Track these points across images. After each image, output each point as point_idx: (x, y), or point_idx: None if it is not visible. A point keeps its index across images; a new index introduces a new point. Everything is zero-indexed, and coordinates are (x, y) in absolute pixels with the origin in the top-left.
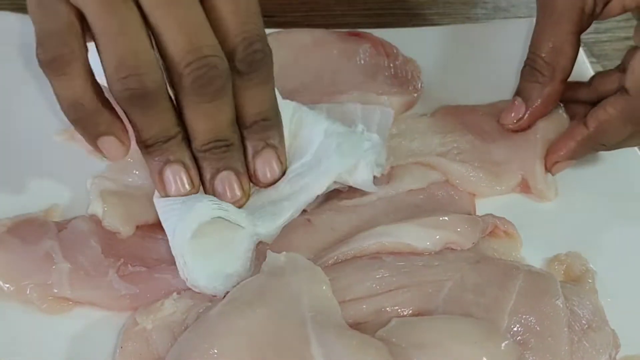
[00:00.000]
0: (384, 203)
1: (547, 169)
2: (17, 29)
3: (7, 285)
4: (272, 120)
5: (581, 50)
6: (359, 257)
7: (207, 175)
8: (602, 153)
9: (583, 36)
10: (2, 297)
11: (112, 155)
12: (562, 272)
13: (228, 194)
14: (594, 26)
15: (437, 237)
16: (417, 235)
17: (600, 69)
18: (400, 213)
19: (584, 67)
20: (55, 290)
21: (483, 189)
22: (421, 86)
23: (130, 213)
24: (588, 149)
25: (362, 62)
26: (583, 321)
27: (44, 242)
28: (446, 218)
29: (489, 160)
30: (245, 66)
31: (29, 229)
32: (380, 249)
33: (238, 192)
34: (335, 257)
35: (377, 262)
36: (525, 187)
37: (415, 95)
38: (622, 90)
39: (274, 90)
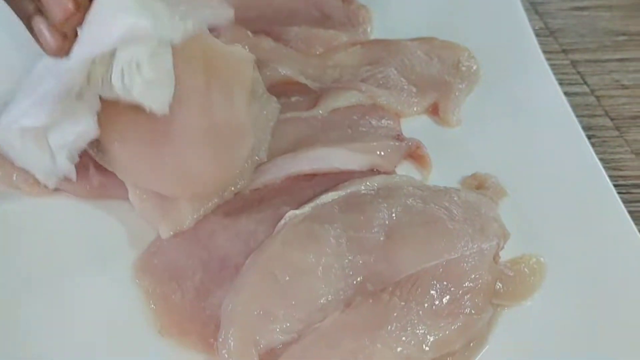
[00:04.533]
0: (320, 122)
1: None
2: None
3: None
4: None
5: (522, 8)
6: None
7: None
8: (498, 81)
9: None
10: None
11: None
12: (474, 187)
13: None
14: None
15: (364, 161)
16: (347, 160)
17: (542, 25)
18: (335, 132)
19: (524, 24)
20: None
21: (403, 109)
22: (370, 31)
23: None
24: None
25: (319, 4)
26: (473, 212)
27: None
28: (374, 143)
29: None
30: None
31: None
32: (314, 172)
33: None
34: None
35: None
36: (435, 111)
37: (364, 37)
38: None
39: None
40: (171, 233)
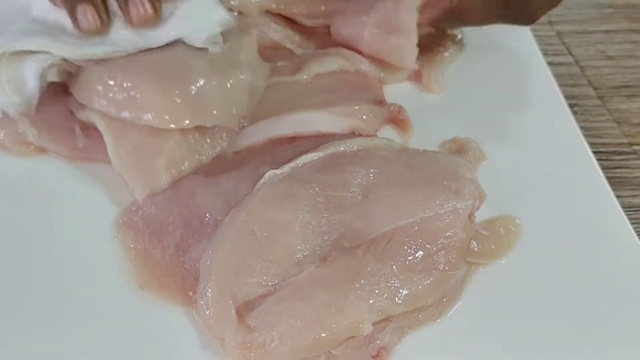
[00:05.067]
0: (303, 87)
1: None
2: None
3: None
4: None
5: None
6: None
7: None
8: (483, 50)
9: None
10: None
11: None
12: (454, 151)
13: (84, 24)
14: None
15: (345, 124)
16: (328, 123)
17: None
18: (318, 97)
19: None
20: (25, 138)
21: (386, 76)
22: None
23: None
24: (450, 20)
25: None
26: (450, 174)
27: None
28: (356, 107)
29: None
30: None
31: None
32: (296, 135)
33: (149, 11)
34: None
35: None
36: (418, 78)
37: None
38: None
39: None
40: (146, 193)
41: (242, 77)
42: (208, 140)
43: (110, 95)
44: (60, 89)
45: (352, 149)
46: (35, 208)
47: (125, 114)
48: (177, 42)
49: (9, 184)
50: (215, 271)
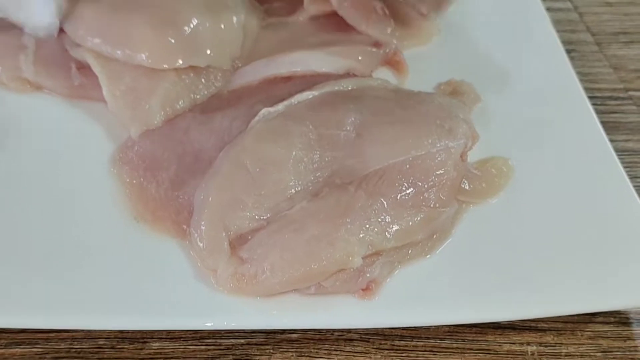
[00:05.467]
0: (300, 27)
1: None
2: None
3: None
4: None
5: None
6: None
7: None
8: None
9: None
10: None
11: None
12: (449, 92)
13: None
14: None
15: (341, 64)
16: (323, 63)
17: None
18: (314, 38)
19: None
20: (22, 74)
21: None
22: None
23: None
24: None
25: None
26: (444, 114)
27: (21, 37)
28: (352, 48)
29: None
30: None
31: (4, 24)
32: (292, 75)
33: None
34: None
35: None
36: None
37: None
38: None
39: None
40: (141, 131)
41: (235, 18)
42: (203, 80)
43: (104, 33)
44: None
45: (346, 89)
46: (31, 144)
47: (119, 53)
48: None
49: (4, 119)
50: (209, 205)
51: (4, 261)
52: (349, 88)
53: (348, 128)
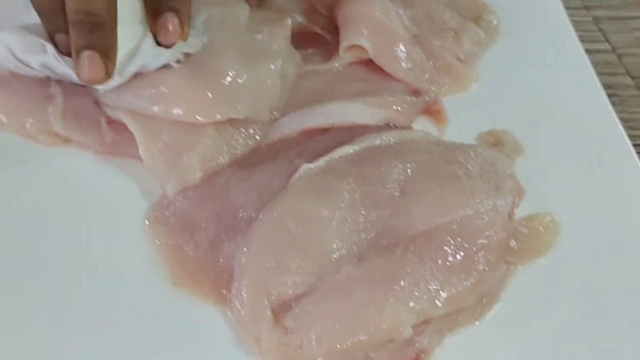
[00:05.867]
0: (336, 75)
1: None
2: None
3: (10, 121)
4: None
5: None
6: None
7: (74, 49)
8: (518, 37)
9: None
10: (3, 129)
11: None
12: (491, 143)
13: (88, 74)
14: None
15: (380, 115)
16: (362, 114)
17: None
18: (351, 87)
19: None
20: (51, 127)
21: None
22: None
23: None
24: None
25: None
26: (489, 169)
27: (48, 87)
28: (390, 98)
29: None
30: None
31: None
32: (330, 126)
33: (100, 73)
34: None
35: None
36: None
37: None
38: None
39: None
40: (178, 189)
41: (273, 67)
42: (242, 133)
43: (138, 90)
44: None
45: (388, 142)
46: (62, 202)
47: (155, 109)
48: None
49: (34, 175)
50: (250, 269)
51: (35, 325)
52: (391, 141)
53: (392, 185)
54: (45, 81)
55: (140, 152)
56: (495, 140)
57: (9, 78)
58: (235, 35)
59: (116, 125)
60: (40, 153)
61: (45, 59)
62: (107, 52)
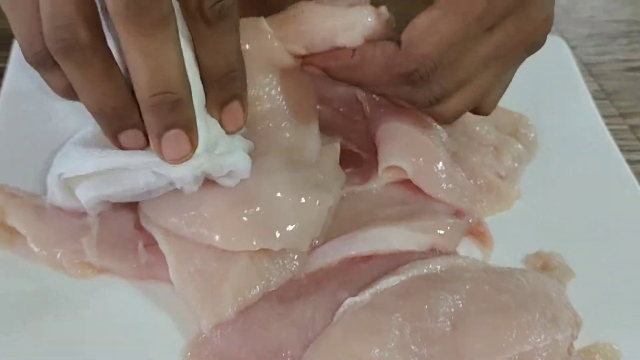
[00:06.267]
0: (374, 196)
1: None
2: None
3: (41, 251)
4: (238, 72)
5: (578, 70)
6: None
7: (153, 133)
8: (557, 150)
9: (583, 56)
10: (35, 259)
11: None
12: (539, 266)
13: (175, 152)
14: (595, 48)
15: (424, 240)
16: (406, 240)
17: (596, 87)
18: (391, 209)
19: (581, 86)
20: (85, 258)
21: None
22: None
23: None
24: (347, 76)
25: None
26: (543, 297)
27: (84, 217)
28: (433, 222)
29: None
30: (213, 14)
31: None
32: (373, 253)
33: (186, 148)
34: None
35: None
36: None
37: None
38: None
39: (239, 40)
40: (213, 324)
41: (322, 200)
42: (278, 262)
43: (175, 209)
44: (127, 205)
45: (434, 271)
46: (94, 334)
47: (190, 231)
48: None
49: (62, 308)
50: None
51: None
52: (437, 270)
53: (442, 319)
54: (80, 213)
55: (171, 276)
56: (544, 264)
57: (45, 207)
58: (284, 156)
59: (152, 247)
60: (69, 285)
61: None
62: (189, 126)
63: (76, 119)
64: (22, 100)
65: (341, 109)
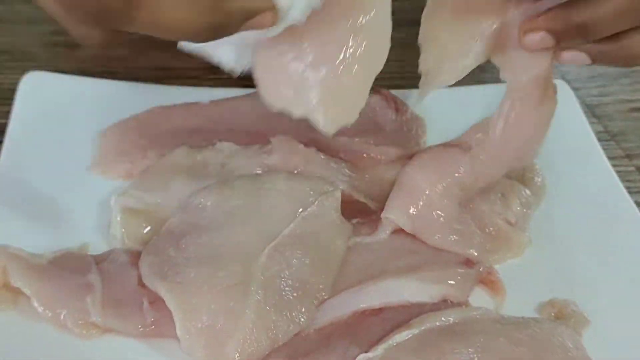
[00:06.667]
0: (383, 246)
1: (519, 38)
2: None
3: (45, 311)
4: None
5: (582, 112)
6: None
7: None
8: (565, 194)
9: (586, 98)
10: (39, 319)
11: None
12: (554, 315)
13: None
14: (597, 89)
15: (435, 292)
16: (417, 292)
17: (601, 129)
18: (401, 260)
19: (586, 128)
20: (89, 318)
21: None
22: (424, 143)
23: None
24: (568, 26)
25: (371, 114)
26: (559, 349)
27: (87, 275)
28: (443, 272)
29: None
30: None
31: (69, 262)
32: (384, 306)
33: None
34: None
35: None
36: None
37: (417, 149)
38: None
39: None
40: None
41: (324, 247)
42: (286, 316)
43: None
44: (130, 261)
45: (447, 323)
46: None
47: None
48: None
49: None
50: None
51: None
52: (450, 322)
53: None
54: (85, 269)
55: (177, 332)
56: (559, 312)
57: (47, 266)
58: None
59: (158, 304)
60: (76, 344)
61: None
62: None
63: (77, 174)
64: (23, 157)
65: (346, 157)
